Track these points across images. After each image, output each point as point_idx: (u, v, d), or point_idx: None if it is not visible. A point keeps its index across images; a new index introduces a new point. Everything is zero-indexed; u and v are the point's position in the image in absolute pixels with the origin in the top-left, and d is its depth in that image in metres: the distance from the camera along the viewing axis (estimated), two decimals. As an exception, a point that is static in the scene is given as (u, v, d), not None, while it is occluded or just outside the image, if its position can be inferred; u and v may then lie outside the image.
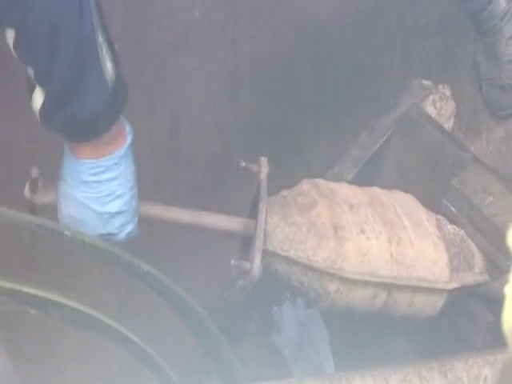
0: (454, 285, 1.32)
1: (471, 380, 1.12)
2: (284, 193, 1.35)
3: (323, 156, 1.93)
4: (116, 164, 1.19)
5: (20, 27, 1.07)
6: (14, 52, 1.10)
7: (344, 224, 1.28)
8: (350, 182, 1.50)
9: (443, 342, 1.46)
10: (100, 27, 1.11)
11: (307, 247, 1.27)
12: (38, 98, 1.13)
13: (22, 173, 1.25)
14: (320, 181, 1.37)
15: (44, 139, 1.38)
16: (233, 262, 1.26)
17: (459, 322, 1.42)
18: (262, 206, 1.28)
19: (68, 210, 1.20)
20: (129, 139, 1.21)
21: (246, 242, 1.32)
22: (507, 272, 1.32)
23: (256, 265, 1.24)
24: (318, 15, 1.98)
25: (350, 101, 1.88)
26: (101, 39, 1.12)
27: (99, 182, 1.18)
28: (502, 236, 1.33)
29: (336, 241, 1.27)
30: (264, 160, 1.34)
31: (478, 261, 1.37)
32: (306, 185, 1.35)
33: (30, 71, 1.12)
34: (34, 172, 1.21)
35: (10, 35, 1.08)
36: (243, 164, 1.34)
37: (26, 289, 0.98)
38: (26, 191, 1.23)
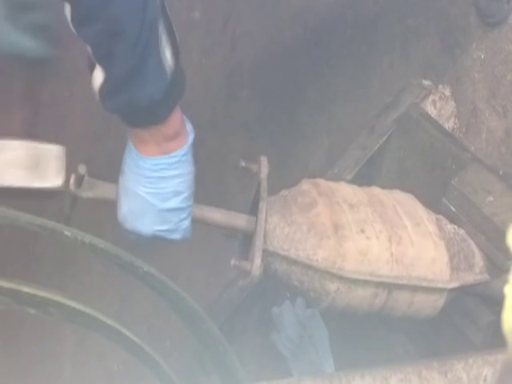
0: (454, 284, 1.32)
1: (471, 380, 1.12)
2: (284, 192, 1.35)
3: (323, 156, 1.93)
4: (178, 162, 1.22)
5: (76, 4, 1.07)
6: (72, 27, 1.10)
7: (344, 223, 1.28)
8: (350, 182, 1.50)
9: (443, 341, 1.46)
10: (162, 16, 1.13)
11: (307, 247, 1.27)
12: (98, 77, 1.14)
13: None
14: (320, 180, 1.37)
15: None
16: (233, 261, 1.26)
17: (459, 321, 1.42)
18: (262, 206, 1.28)
19: (128, 204, 1.23)
20: (190, 138, 1.25)
21: (246, 242, 1.32)
22: (507, 271, 1.32)
23: (256, 264, 1.24)
24: (318, 15, 1.98)
25: (349, 101, 1.89)
26: (161, 27, 1.13)
27: (161, 178, 1.21)
28: (502, 235, 1.34)
29: (336, 240, 1.27)
30: (264, 159, 1.34)
31: (478, 260, 1.37)
32: (305, 184, 1.35)
33: (89, 50, 1.12)
34: (81, 169, 1.22)
35: (67, 9, 1.08)
36: (243, 164, 1.34)
37: (26, 289, 0.98)
38: (71, 185, 1.24)
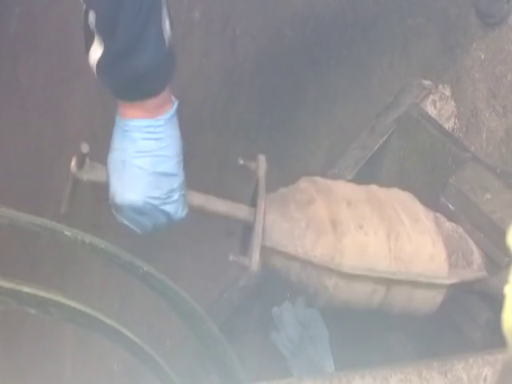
0: (452, 280, 1.32)
1: (471, 380, 1.12)
2: (282, 190, 1.35)
3: (323, 156, 1.93)
4: (163, 126, 1.22)
5: None
6: None
7: (342, 219, 1.29)
8: (350, 182, 1.50)
9: (443, 339, 1.47)
10: None
11: (305, 243, 1.27)
12: (97, 50, 1.15)
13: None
14: (318, 178, 1.38)
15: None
16: (231, 257, 1.26)
17: (458, 318, 1.42)
18: (261, 202, 1.28)
19: (117, 176, 1.22)
20: (175, 106, 1.24)
21: (244, 239, 1.32)
22: (505, 268, 1.32)
23: (254, 260, 1.24)
24: (318, 15, 1.98)
25: (350, 101, 1.89)
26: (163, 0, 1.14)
27: (149, 140, 1.21)
28: (501, 232, 1.34)
29: (334, 236, 1.27)
30: (262, 158, 1.34)
31: (477, 257, 1.37)
32: (304, 182, 1.35)
33: (93, 16, 1.12)
34: (84, 148, 1.22)
35: None
36: (241, 161, 1.34)
37: (26, 289, 0.98)
38: (73, 166, 1.24)
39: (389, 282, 1.29)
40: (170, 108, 1.23)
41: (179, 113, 1.25)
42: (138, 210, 1.23)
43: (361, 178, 1.64)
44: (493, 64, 1.60)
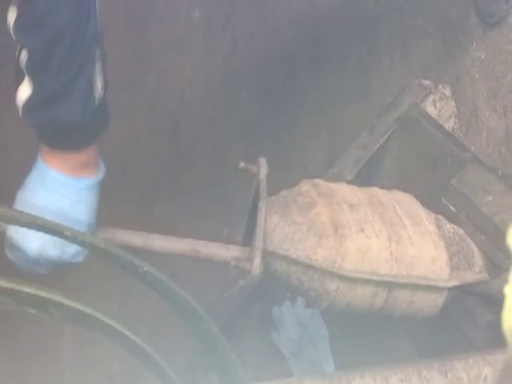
0: (454, 283, 1.32)
1: (471, 380, 1.12)
2: (283, 193, 1.35)
3: (323, 156, 1.93)
4: (83, 190, 1.18)
5: (28, 9, 1.05)
6: (12, 32, 1.08)
7: (344, 223, 1.28)
8: (350, 182, 1.50)
9: (443, 341, 1.46)
10: (99, 44, 1.12)
11: (307, 246, 1.27)
12: (25, 90, 1.12)
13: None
14: (319, 181, 1.38)
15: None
16: (233, 262, 1.26)
17: (459, 320, 1.42)
18: (262, 206, 1.28)
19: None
20: (100, 175, 1.21)
21: (246, 242, 1.32)
22: (507, 270, 1.32)
23: (256, 264, 1.24)
24: (318, 15, 1.98)
25: (350, 101, 1.89)
26: (98, 54, 1.12)
27: (64, 197, 1.17)
28: (502, 235, 1.34)
29: (336, 239, 1.27)
30: (263, 161, 1.34)
31: (478, 259, 1.37)
32: (305, 185, 1.35)
33: (25, 56, 1.10)
34: None
35: (13, 14, 1.07)
36: (242, 165, 1.34)
37: (26, 289, 0.98)
38: None
39: (390, 285, 1.29)
40: (94, 174, 1.20)
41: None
42: (32, 259, 1.18)
43: (361, 178, 1.64)
44: (493, 64, 1.60)
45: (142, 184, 2.41)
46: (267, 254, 1.27)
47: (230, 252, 1.28)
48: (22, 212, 1.08)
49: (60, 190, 1.17)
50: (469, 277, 1.34)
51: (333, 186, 1.37)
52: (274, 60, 2.10)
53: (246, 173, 1.34)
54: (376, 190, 1.40)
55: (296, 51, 2.03)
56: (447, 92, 1.68)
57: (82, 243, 1.06)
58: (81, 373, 2.43)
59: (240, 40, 2.18)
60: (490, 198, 1.38)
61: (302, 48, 2.01)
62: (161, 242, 1.28)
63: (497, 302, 1.32)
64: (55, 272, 1.22)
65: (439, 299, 1.33)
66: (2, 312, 1.04)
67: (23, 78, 1.12)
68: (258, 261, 1.24)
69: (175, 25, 2.37)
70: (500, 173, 1.45)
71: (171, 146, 2.33)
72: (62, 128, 1.13)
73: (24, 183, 1.20)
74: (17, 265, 1.20)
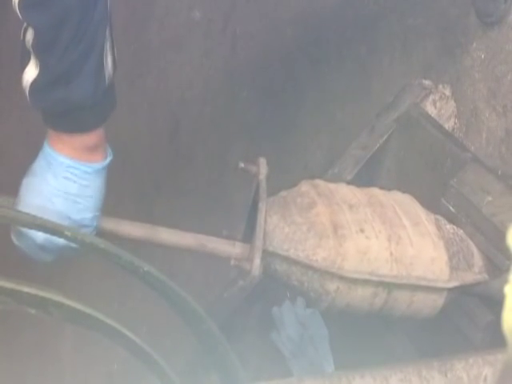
0: (453, 283, 1.32)
1: (471, 380, 1.12)
2: (283, 193, 1.35)
3: (323, 156, 1.93)
4: (90, 174, 1.16)
5: None
6: (18, 9, 1.06)
7: (343, 223, 1.28)
8: (350, 182, 1.50)
9: (443, 341, 1.46)
10: (109, 23, 1.10)
11: (307, 247, 1.27)
12: (32, 71, 1.09)
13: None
14: (319, 181, 1.37)
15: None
16: (233, 261, 1.26)
17: (458, 321, 1.42)
18: (262, 206, 1.28)
19: (28, 204, 1.15)
20: (108, 159, 1.19)
21: (246, 243, 1.32)
22: (506, 271, 1.32)
23: (256, 265, 1.24)
24: (318, 15, 1.98)
25: (349, 101, 1.89)
26: (108, 32, 1.10)
27: (71, 181, 1.15)
28: (502, 235, 1.34)
29: (335, 240, 1.27)
30: (263, 161, 1.34)
31: (478, 260, 1.37)
32: (305, 186, 1.35)
33: (31, 35, 1.07)
34: None
35: None
36: (242, 165, 1.34)
37: (26, 289, 0.98)
38: None
39: (390, 286, 1.29)
40: (101, 159, 1.17)
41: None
42: (38, 245, 1.16)
43: (361, 178, 1.64)
44: (493, 64, 1.60)
45: (141, 184, 2.41)
46: (267, 255, 1.27)
47: (235, 249, 1.28)
48: (21, 212, 1.08)
49: (67, 175, 1.15)
50: (468, 277, 1.34)
51: (332, 186, 1.37)
52: (274, 60, 2.10)
53: (246, 173, 1.34)
54: (376, 191, 1.40)
55: (296, 51, 2.03)
56: (447, 92, 1.68)
57: (81, 243, 1.06)
58: (81, 373, 2.43)
59: (240, 40, 2.18)
60: (490, 199, 1.38)
61: (302, 48, 2.01)
62: (166, 235, 1.27)
63: (497, 303, 1.32)
64: (59, 261, 1.21)
65: (439, 300, 1.33)
66: (2, 312, 1.04)
67: (29, 59, 1.10)
68: (257, 261, 1.24)
69: (175, 25, 2.37)
70: (500, 173, 1.45)
71: (171, 145, 2.33)
72: (71, 109, 1.10)
73: (30, 169, 1.18)
74: (23, 251, 1.19)
